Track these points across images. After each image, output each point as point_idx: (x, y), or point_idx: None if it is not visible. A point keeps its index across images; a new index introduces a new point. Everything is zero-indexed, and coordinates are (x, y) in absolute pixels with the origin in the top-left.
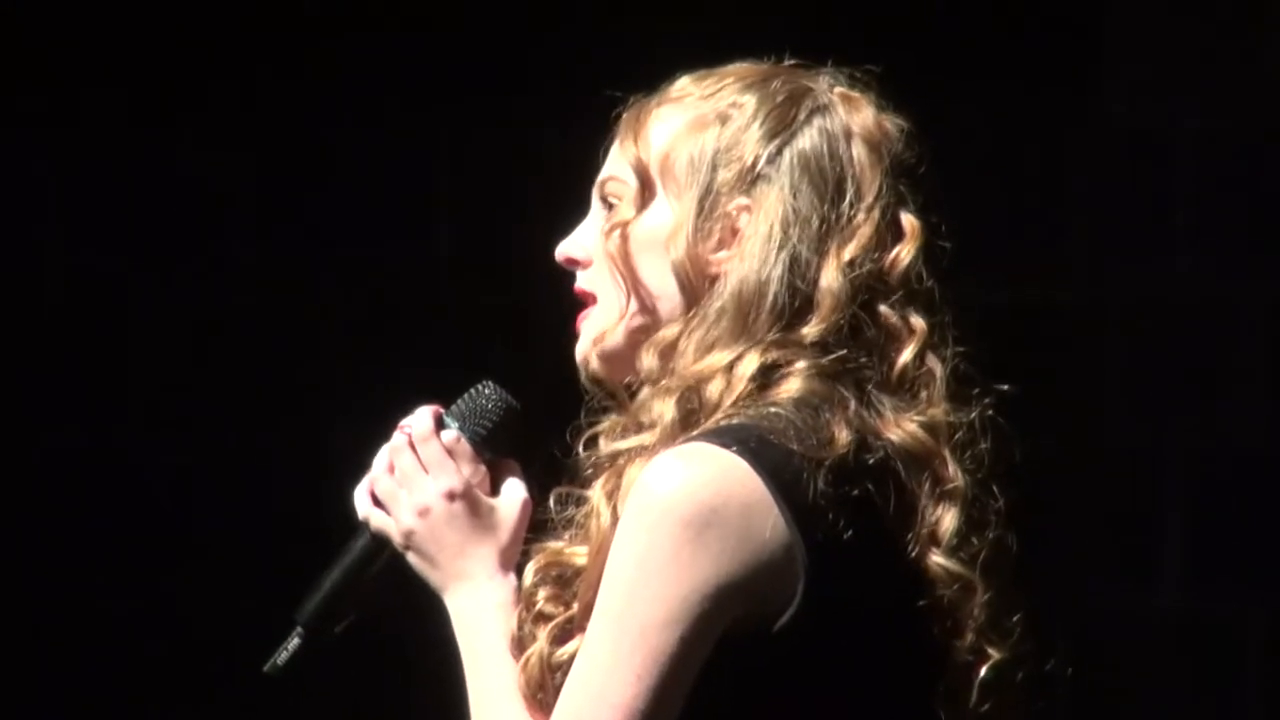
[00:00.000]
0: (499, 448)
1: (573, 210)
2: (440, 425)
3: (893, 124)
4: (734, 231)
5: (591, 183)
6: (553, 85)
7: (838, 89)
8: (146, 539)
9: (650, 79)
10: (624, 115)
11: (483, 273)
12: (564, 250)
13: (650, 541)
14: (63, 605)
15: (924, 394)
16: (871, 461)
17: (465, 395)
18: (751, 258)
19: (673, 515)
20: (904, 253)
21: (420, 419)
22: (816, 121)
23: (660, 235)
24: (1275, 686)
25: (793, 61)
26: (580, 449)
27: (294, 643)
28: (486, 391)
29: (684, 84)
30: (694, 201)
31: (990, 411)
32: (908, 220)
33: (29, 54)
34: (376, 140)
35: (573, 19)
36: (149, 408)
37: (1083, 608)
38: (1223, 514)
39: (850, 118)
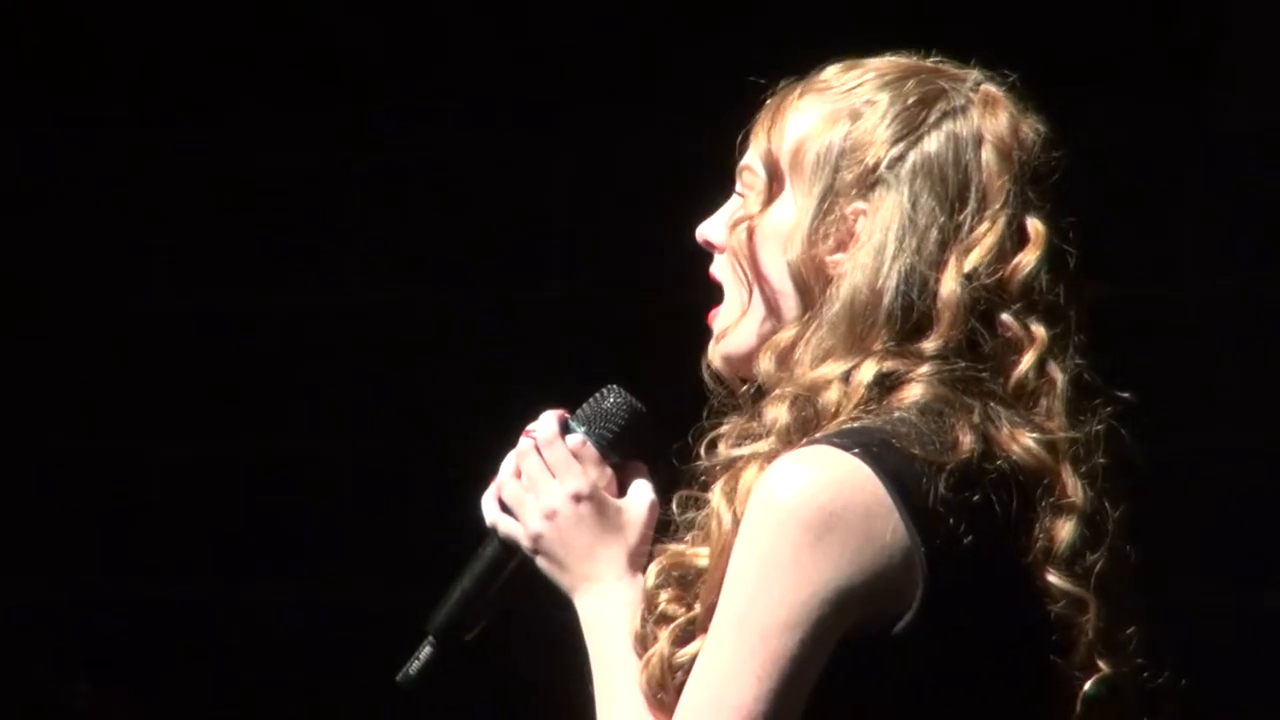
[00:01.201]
0: (625, 451)
1: (695, 208)
2: (566, 429)
3: (1031, 128)
4: (851, 235)
5: (709, 180)
6: (666, 82)
7: (983, 87)
8: (268, 546)
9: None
10: (768, 102)
11: (605, 277)
12: (702, 231)
13: (772, 545)
14: (179, 606)
15: (1044, 403)
16: (993, 470)
17: (590, 399)
18: (864, 266)
19: (794, 518)
20: (1026, 260)
21: (545, 423)
22: (946, 126)
23: (782, 232)
24: None
25: (938, 59)
26: (701, 450)
27: (425, 652)
28: (611, 395)
29: (830, 73)
30: (815, 200)
31: (1112, 420)
32: (1033, 226)
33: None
34: (492, 138)
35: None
36: (267, 415)
37: (1191, 610)
38: None
39: (983, 122)
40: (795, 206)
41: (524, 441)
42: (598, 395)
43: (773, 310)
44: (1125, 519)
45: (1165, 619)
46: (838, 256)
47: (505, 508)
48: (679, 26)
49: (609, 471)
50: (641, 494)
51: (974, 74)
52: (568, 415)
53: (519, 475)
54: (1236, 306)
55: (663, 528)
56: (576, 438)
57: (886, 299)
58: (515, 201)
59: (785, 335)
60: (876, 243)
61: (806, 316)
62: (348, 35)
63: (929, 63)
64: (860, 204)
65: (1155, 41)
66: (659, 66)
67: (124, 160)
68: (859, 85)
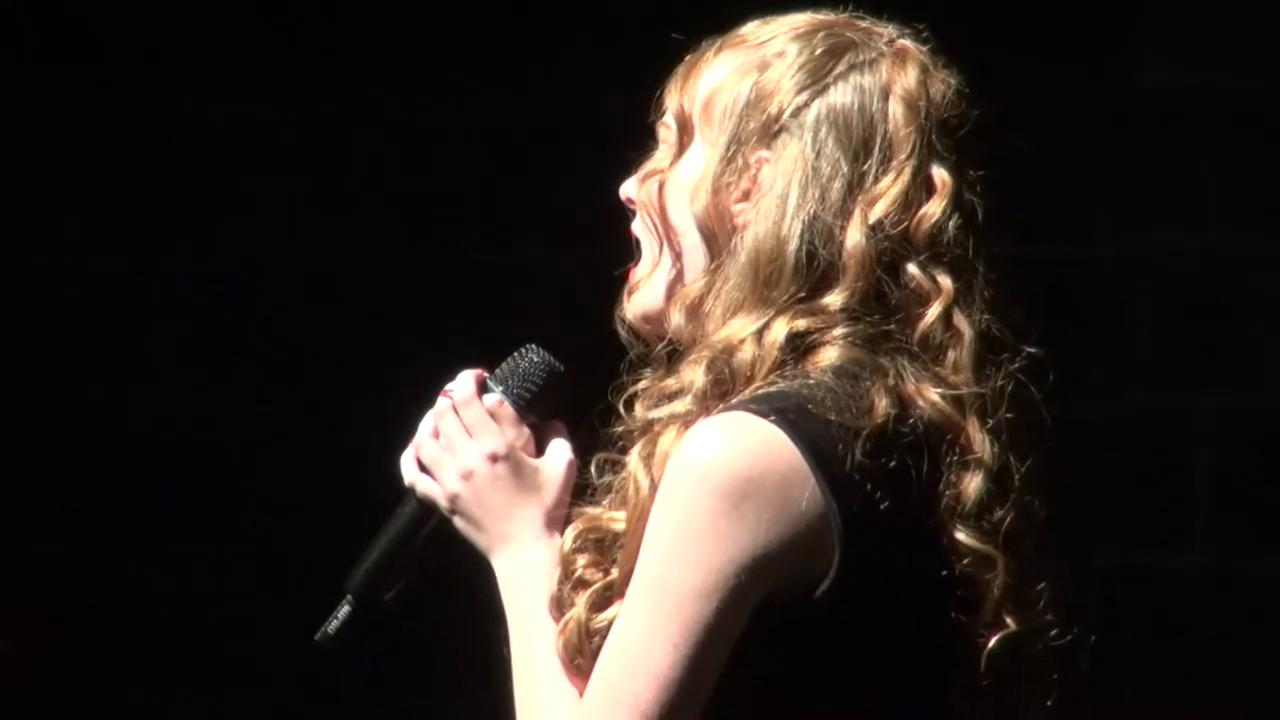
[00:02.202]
0: (543, 410)
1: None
2: (484, 389)
3: (942, 81)
4: (755, 184)
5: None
6: (589, 39)
7: (897, 42)
8: (194, 510)
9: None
10: (686, 58)
11: (528, 235)
12: (623, 189)
13: (687, 512)
14: (113, 572)
15: (951, 356)
16: (908, 432)
17: (509, 358)
18: (768, 215)
19: (709, 485)
20: (932, 210)
21: (463, 383)
22: (854, 78)
23: (689, 183)
24: None
25: (857, 14)
26: (620, 407)
27: (344, 611)
28: (530, 354)
29: (748, 28)
30: (720, 149)
31: (1019, 376)
32: (940, 177)
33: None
34: (412, 99)
35: None
36: (196, 376)
37: (1108, 569)
38: (1252, 474)
39: (893, 74)
40: (703, 157)
41: (441, 401)
42: (516, 354)
43: (683, 262)
44: (1032, 474)
45: (1079, 580)
46: (742, 206)
47: (424, 468)
48: None
49: (527, 431)
50: (559, 454)
51: (889, 29)
52: (486, 375)
53: (437, 435)
54: (1147, 268)
55: (580, 491)
56: (494, 397)
57: (791, 247)
58: (435, 166)
59: (694, 287)
60: (780, 191)
61: (714, 267)
62: None
63: (845, 17)
64: (764, 152)
65: (1069, 3)
66: (581, 24)
67: (47, 121)
68: (771, 39)
